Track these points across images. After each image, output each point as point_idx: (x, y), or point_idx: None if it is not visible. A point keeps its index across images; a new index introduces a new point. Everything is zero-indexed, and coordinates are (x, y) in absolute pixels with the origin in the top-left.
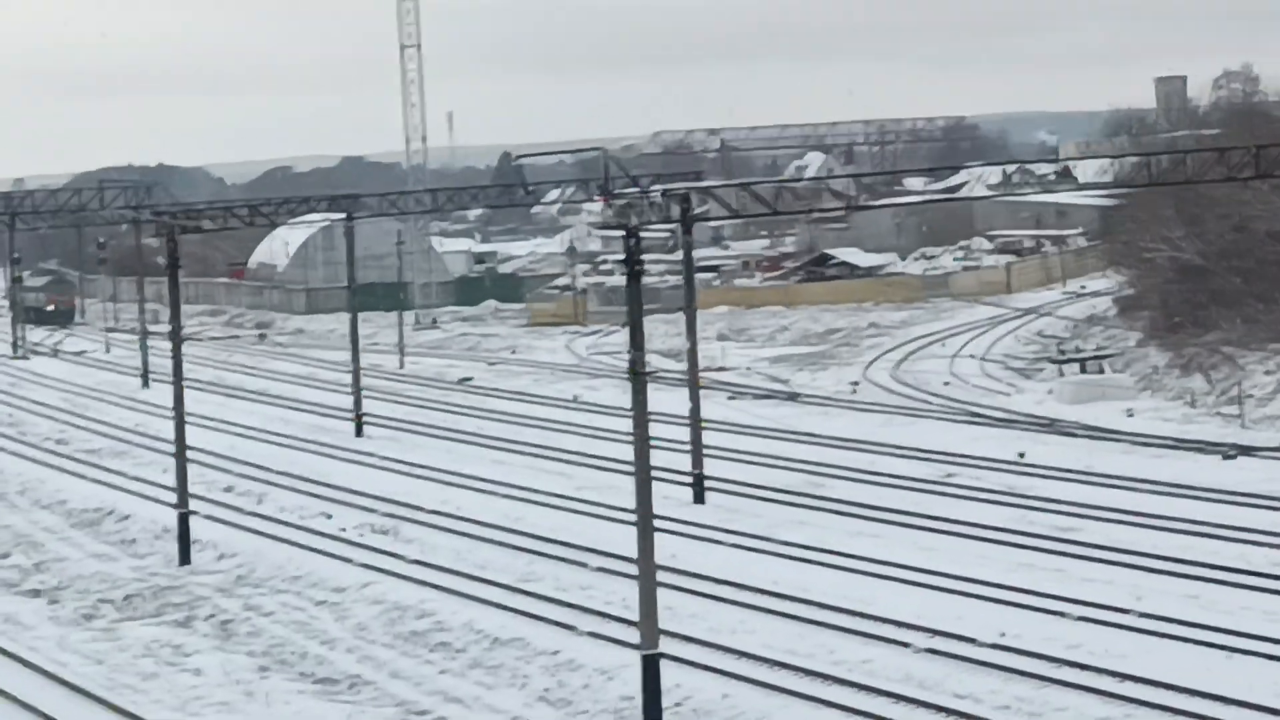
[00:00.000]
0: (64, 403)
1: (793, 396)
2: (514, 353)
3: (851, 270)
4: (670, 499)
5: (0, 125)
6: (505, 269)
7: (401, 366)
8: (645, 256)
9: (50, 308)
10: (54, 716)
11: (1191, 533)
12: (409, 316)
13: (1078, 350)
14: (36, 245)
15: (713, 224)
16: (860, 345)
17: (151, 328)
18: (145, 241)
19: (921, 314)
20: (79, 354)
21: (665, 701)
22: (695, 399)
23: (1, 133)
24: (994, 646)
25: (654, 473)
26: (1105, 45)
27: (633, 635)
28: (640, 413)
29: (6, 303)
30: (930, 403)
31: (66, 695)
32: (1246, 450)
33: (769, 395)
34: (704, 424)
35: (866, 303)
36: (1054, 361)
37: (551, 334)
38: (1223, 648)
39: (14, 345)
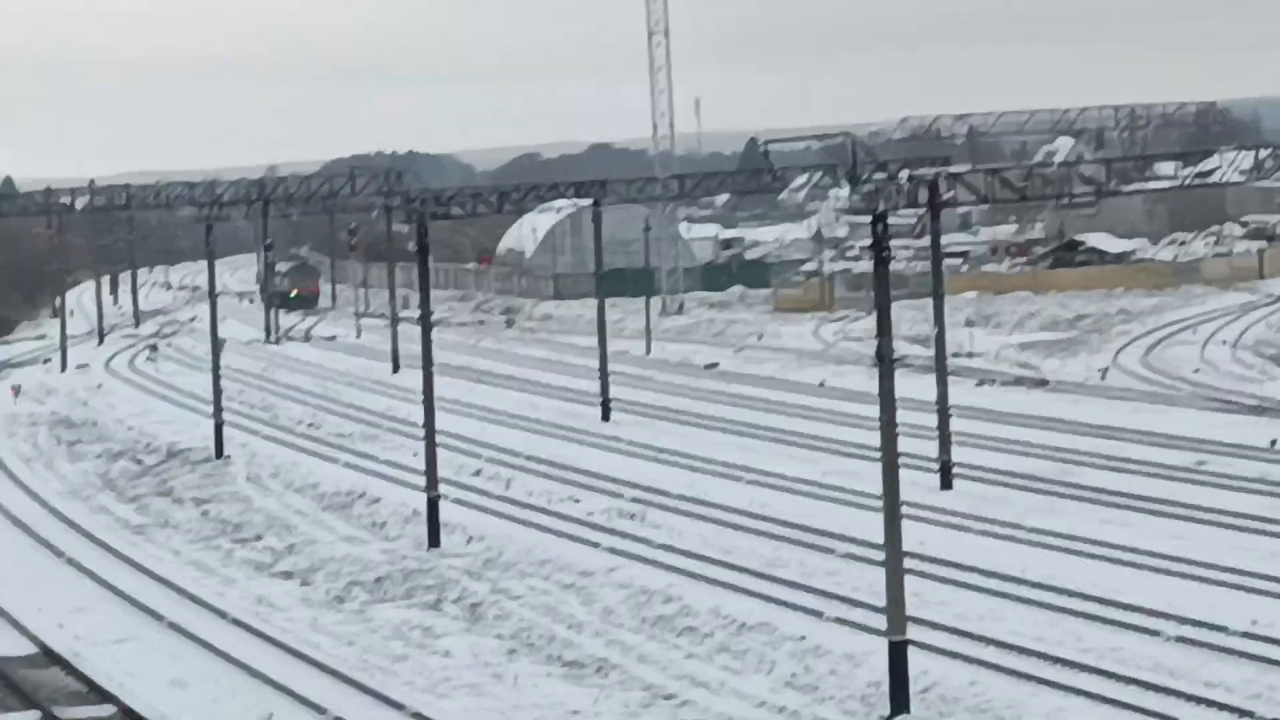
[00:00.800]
0: (316, 387)
1: (1041, 383)
2: (760, 338)
3: (1101, 256)
4: (917, 485)
5: (254, 114)
6: (752, 255)
7: (648, 352)
8: (893, 242)
9: (294, 293)
10: (307, 697)
11: None
12: (655, 302)
13: None
14: (289, 232)
15: (960, 209)
16: (1110, 331)
17: (401, 313)
18: (395, 228)
19: (1172, 300)
20: (330, 339)
21: (912, 688)
22: (942, 384)
23: (255, 121)
24: (1246, 635)
25: (901, 459)
26: None
27: (880, 621)
28: (887, 398)
29: (258, 288)
30: (1181, 389)
31: (318, 676)
32: None
33: (1017, 381)
34: (951, 410)
35: (1116, 288)
36: None
37: (798, 320)
38: None
39: (267, 331)
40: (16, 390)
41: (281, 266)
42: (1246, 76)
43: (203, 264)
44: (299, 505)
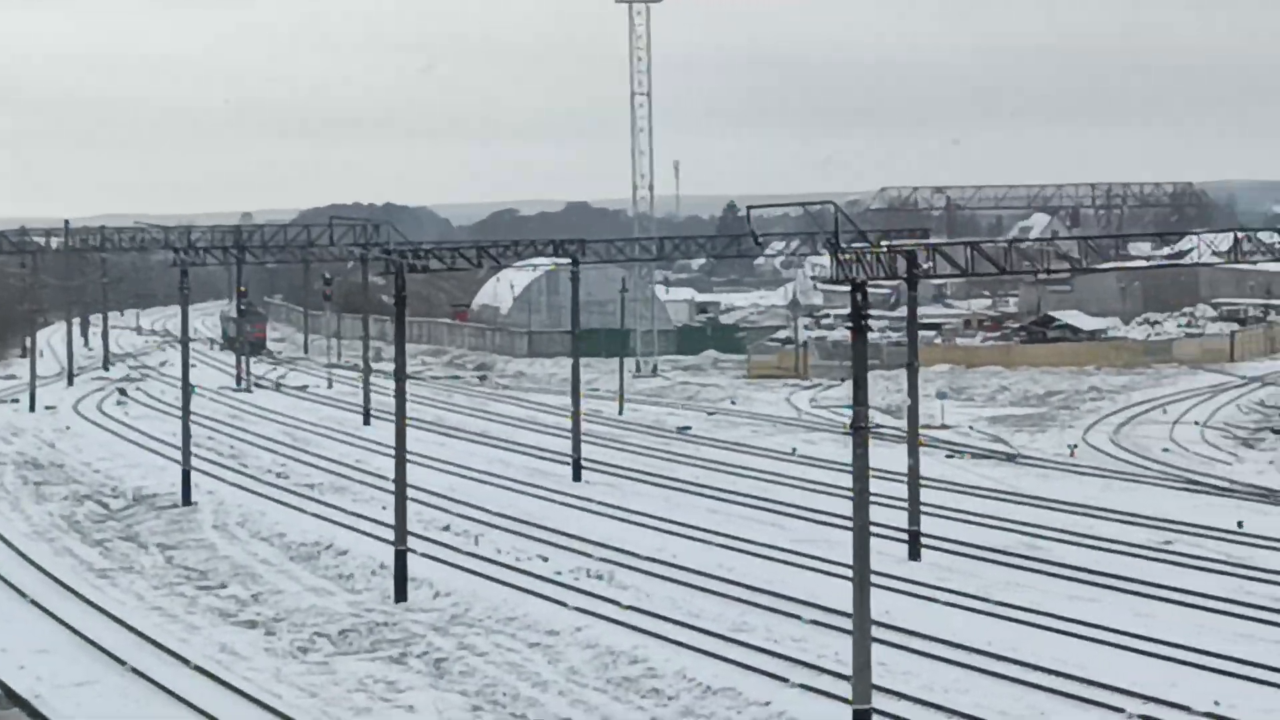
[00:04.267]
0: (285, 436)
1: (1011, 457)
2: (733, 403)
3: (1074, 332)
4: (886, 555)
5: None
6: (727, 319)
7: (621, 413)
8: (869, 312)
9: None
10: None
11: None
12: (630, 363)
13: None
14: (264, 280)
15: (936, 282)
16: (1080, 408)
17: (374, 365)
18: (371, 279)
19: (1143, 379)
20: (301, 388)
21: None
22: (914, 456)
23: (233, 168)
24: (1208, 715)
25: (871, 528)
26: None
27: (846, 690)
28: (860, 467)
29: (220, 333)
30: (1150, 468)
31: None
32: None
33: (988, 455)
34: (922, 481)
35: (1088, 366)
36: (1277, 431)
37: (771, 386)
38: None
39: (237, 378)
40: None
41: (230, 312)
42: (1223, 159)
43: (174, 309)
44: (265, 554)
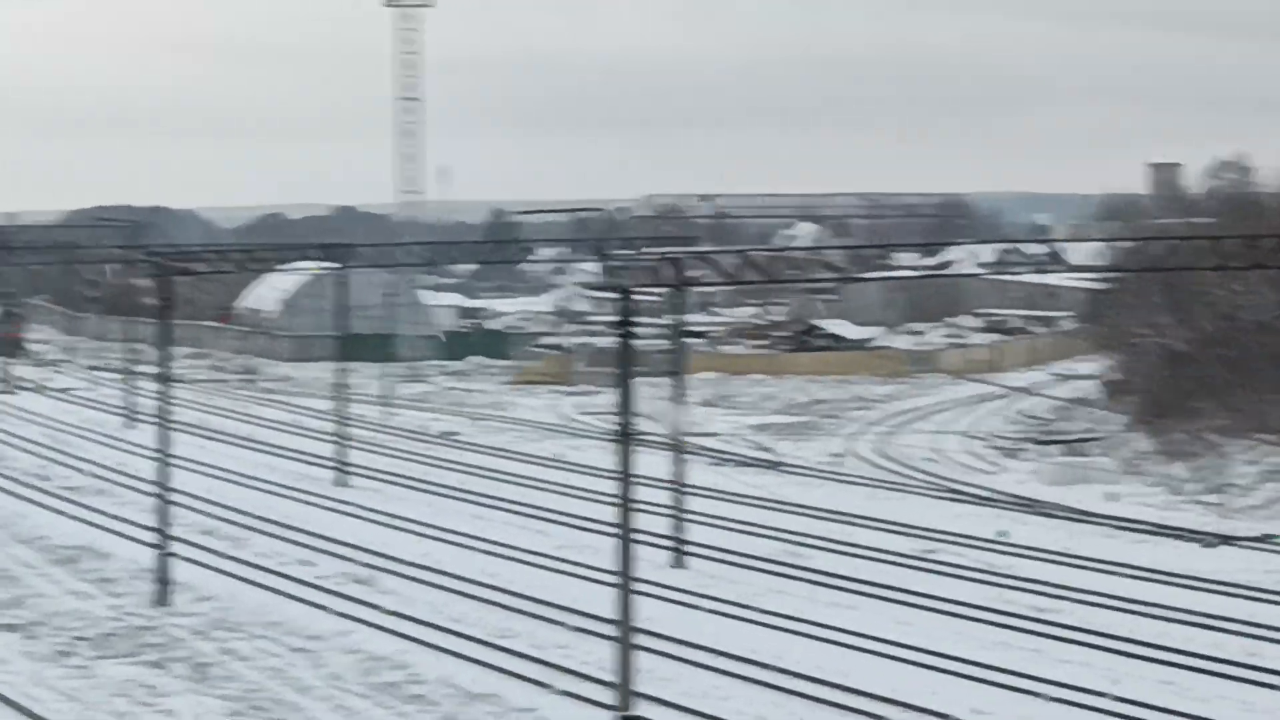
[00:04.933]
0: (47, 439)
1: (775, 465)
2: (499, 410)
3: (839, 342)
4: (650, 562)
5: None
6: (493, 325)
7: (386, 418)
8: (636, 319)
9: (6, 338)
10: None
11: (1169, 619)
12: (395, 368)
13: (1062, 432)
14: (28, 281)
15: (703, 290)
16: (845, 417)
17: (137, 368)
18: (136, 281)
19: (907, 389)
20: (64, 391)
21: None
22: (679, 463)
23: None
24: None
25: (635, 535)
26: (1100, 129)
27: (607, 696)
28: (624, 474)
29: None
30: (913, 478)
31: None
32: (1227, 539)
33: (752, 463)
34: (685, 489)
35: (852, 375)
36: (1038, 442)
37: (538, 392)
38: None
39: None
40: None
41: None
42: (988, 172)
43: None
44: (26, 557)
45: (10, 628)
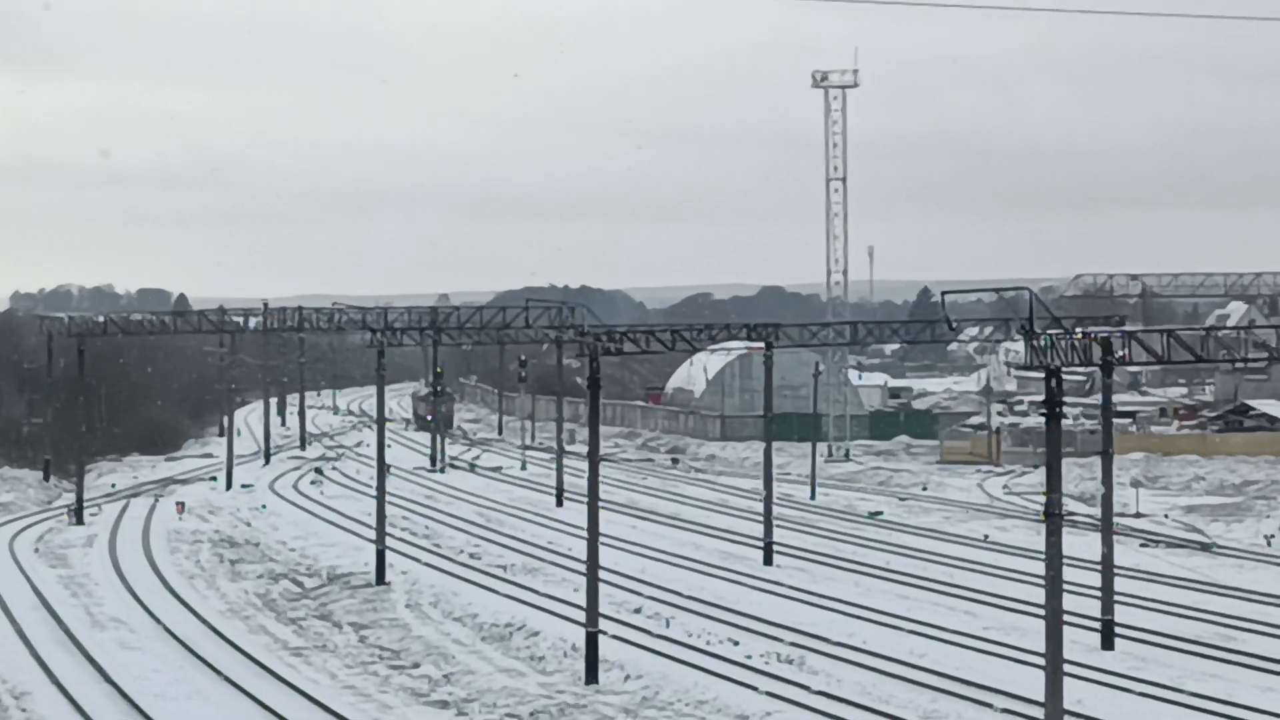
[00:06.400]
0: (479, 517)
1: (1206, 547)
2: (925, 489)
3: (1271, 422)
4: (1078, 644)
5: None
6: (920, 404)
7: (813, 497)
8: (1062, 398)
9: (429, 417)
10: None
11: None
12: (822, 447)
13: None
14: (460, 361)
15: (1132, 369)
16: (1277, 498)
17: (567, 447)
18: (565, 361)
19: None
20: (495, 469)
21: None
22: (1108, 544)
23: (428, 251)
24: None
25: (1064, 616)
26: None
27: None
28: (1054, 554)
29: (411, 413)
30: None
31: None
32: None
33: (1182, 544)
34: (1115, 570)
35: None
36: None
37: (964, 472)
38: None
39: (432, 459)
40: (181, 507)
41: (420, 391)
42: None
43: (370, 389)
44: (458, 634)
45: (443, 704)
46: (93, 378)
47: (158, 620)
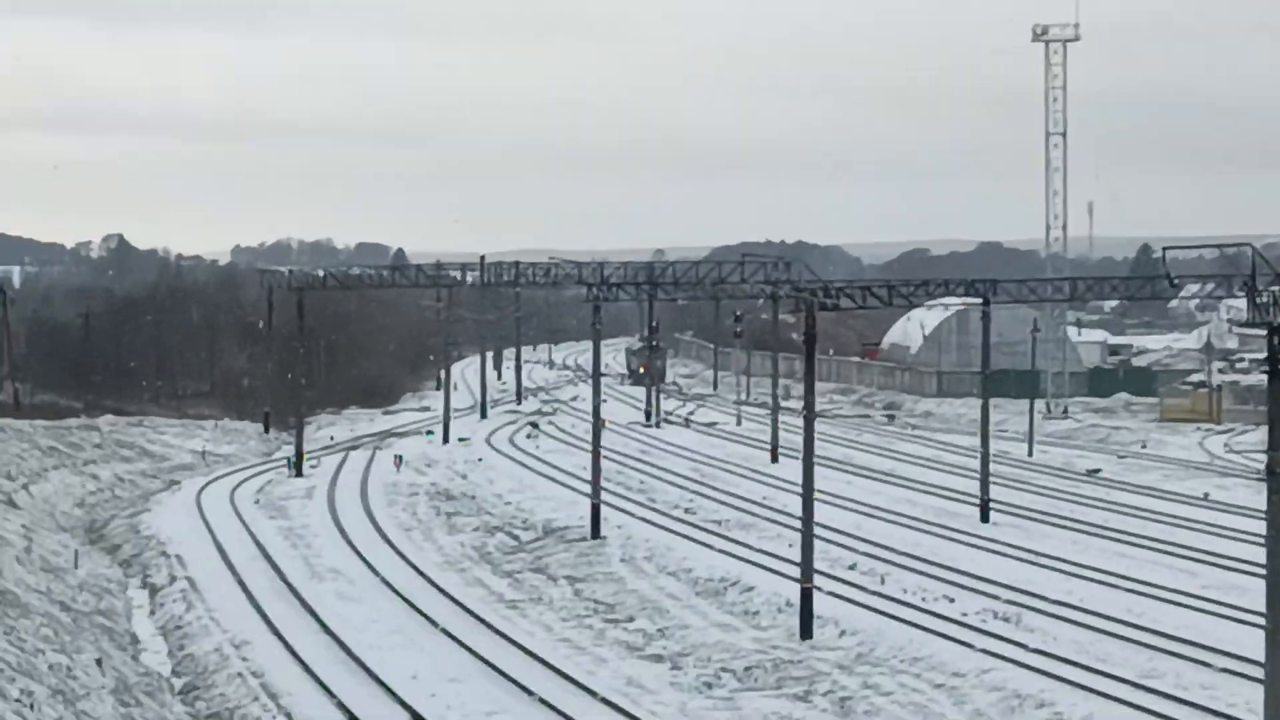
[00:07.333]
0: (693, 472)
1: None
2: (1144, 447)
3: None
4: None
5: (644, 199)
6: (1139, 362)
7: (1030, 454)
8: None
9: (641, 370)
10: None
11: None
12: (1040, 405)
13: None
14: (675, 316)
15: None
16: None
17: (783, 403)
18: (781, 317)
19: None
20: (710, 425)
21: None
22: None
23: (645, 206)
24: None
25: None
26: None
27: None
28: (1276, 513)
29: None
30: None
31: None
32: None
33: None
34: None
35: None
36: None
37: (1184, 430)
38: None
39: (647, 414)
40: (399, 460)
41: (634, 345)
42: None
43: (585, 344)
44: (672, 589)
45: (658, 658)
46: (312, 331)
47: (375, 572)
